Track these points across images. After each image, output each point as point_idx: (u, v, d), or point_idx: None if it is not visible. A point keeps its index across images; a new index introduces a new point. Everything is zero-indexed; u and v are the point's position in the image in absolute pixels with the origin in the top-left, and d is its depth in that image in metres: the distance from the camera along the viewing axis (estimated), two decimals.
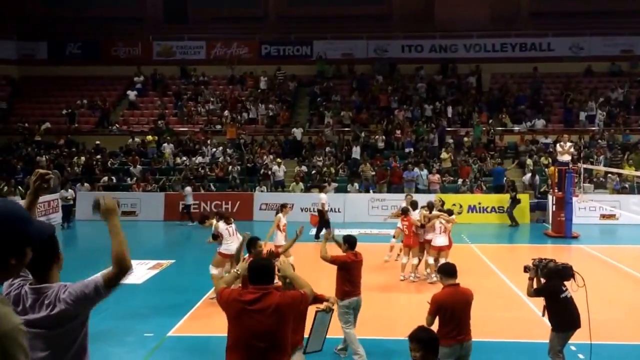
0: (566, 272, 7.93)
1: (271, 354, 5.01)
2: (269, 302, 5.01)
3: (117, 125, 30.77)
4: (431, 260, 13.62)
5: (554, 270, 7.94)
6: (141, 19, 37.31)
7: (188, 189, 24.18)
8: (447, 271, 7.17)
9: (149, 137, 28.88)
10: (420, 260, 14.09)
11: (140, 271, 14.85)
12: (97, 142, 28.93)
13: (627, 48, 33.58)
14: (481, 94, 32.07)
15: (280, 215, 13.89)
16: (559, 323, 7.98)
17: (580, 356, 9.20)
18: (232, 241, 12.29)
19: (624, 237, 21.53)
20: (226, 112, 30.88)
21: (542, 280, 8.07)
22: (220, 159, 27.51)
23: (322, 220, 19.37)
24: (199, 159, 27.57)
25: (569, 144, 21.21)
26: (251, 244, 8.19)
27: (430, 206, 14.03)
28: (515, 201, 23.12)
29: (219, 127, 30.03)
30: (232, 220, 12.92)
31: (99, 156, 28.05)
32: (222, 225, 12.63)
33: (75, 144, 29.42)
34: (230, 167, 26.65)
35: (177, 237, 22.29)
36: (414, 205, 14.37)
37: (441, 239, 13.49)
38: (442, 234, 13.47)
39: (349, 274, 9.01)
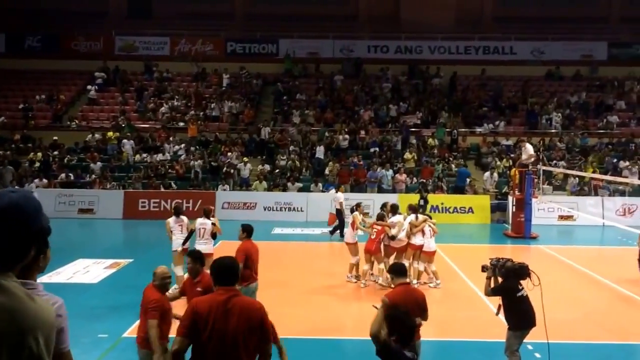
0: (523, 271, 7.99)
1: (241, 356, 4.88)
2: (238, 304, 4.89)
3: (76, 120, 30.16)
4: (429, 267, 13.44)
5: (511, 269, 7.99)
6: (104, 13, 36.68)
7: None
8: (399, 271, 7.14)
9: (109, 134, 28.39)
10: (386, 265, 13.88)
11: (96, 270, 14.55)
12: (55, 137, 28.30)
13: (587, 53, 34.26)
14: (445, 96, 32.34)
15: (356, 213, 14.01)
16: (516, 322, 8.04)
17: (537, 355, 9.27)
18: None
19: (581, 238, 21.94)
20: (190, 110, 30.56)
21: (499, 280, 8.11)
22: (183, 157, 27.18)
23: (341, 220, 19.49)
24: (160, 157, 27.19)
25: (529, 146, 21.46)
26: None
27: (413, 209, 13.62)
28: (426, 202, 23.10)
29: (181, 124, 29.67)
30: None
31: (56, 152, 27.44)
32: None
33: (31, 140, 28.74)
34: (192, 165, 26.34)
35: (136, 235, 21.95)
36: (395, 209, 13.85)
37: (433, 244, 13.29)
38: (431, 238, 13.25)
39: (250, 260, 9.34)
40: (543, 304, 7.62)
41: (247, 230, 9.71)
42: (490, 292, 8.12)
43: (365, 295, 12.88)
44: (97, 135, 28.47)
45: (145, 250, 18.11)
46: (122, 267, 15.26)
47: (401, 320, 5.08)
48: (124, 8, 37.34)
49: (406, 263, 13.29)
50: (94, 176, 25.50)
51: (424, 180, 25.08)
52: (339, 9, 37.00)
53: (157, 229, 22.37)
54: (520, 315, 7.99)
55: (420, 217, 13.41)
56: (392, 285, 7.20)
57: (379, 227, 13.16)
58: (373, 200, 24.31)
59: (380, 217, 13.36)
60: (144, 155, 27.26)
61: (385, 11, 36.45)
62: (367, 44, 34.62)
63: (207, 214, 12.44)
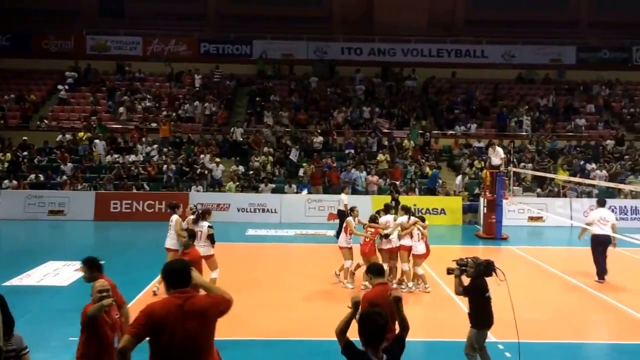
0: (489, 268, 8.12)
1: (197, 359, 4.89)
2: (193, 306, 4.89)
3: (46, 121, 29.76)
4: (420, 270, 13.35)
5: (481, 266, 8.10)
6: (75, 12, 36.31)
7: None
8: (377, 271, 7.23)
9: (80, 134, 28.07)
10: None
11: (67, 273, 14.40)
12: (25, 137, 27.90)
13: (556, 57, 34.83)
14: (418, 98, 32.60)
15: (350, 218, 13.79)
16: (482, 321, 8.17)
17: (507, 354, 9.40)
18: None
19: (550, 239, 22.27)
20: (163, 110, 30.38)
21: (463, 280, 8.18)
22: (155, 158, 26.99)
23: (343, 221, 19.49)
24: (132, 157, 26.97)
25: (500, 149, 21.74)
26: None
27: (406, 210, 13.51)
28: (397, 203, 23.18)
29: (154, 124, 29.46)
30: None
31: (25, 153, 27.06)
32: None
33: (0, 140, 28.29)
34: (164, 166, 26.18)
35: (107, 237, 21.72)
36: (387, 209, 13.82)
37: (421, 247, 13.21)
38: (420, 241, 13.21)
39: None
40: (512, 302, 7.75)
41: (194, 237, 10.33)
42: (463, 292, 8.21)
43: (346, 296, 12.87)
44: (67, 136, 28.13)
45: (117, 252, 17.93)
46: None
47: (370, 319, 5.07)
48: (95, 7, 37.01)
49: (406, 266, 13.29)
50: (64, 177, 25.21)
51: (395, 182, 25.26)
52: (313, 10, 37.11)
53: (129, 230, 22.30)
54: (486, 315, 8.17)
55: (412, 219, 13.31)
56: (370, 285, 7.27)
57: (373, 230, 13.12)
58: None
59: (373, 219, 13.29)
60: (116, 156, 27.01)
61: (359, 13, 36.67)
62: (341, 46, 34.77)
63: (204, 216, 12.45)
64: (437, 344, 10.26)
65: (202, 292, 5.27)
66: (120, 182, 25.09)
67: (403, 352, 5.43)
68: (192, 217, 12.80)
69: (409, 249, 13.16)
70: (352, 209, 14.26)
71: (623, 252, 18.72)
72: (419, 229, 13.16)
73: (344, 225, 13.74)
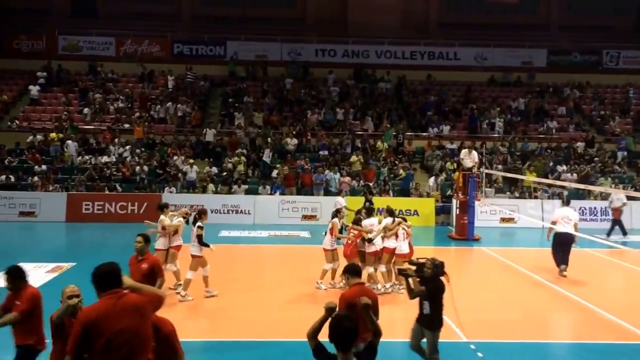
0: (442, 268, 8.20)
1: (137, 353, 4.96)
2: (127, 302, 4.99)
3: (17, 121, 29.37)
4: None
5: (438, 268, 8.16)
6: (47, 12, 35.85)
7: None
8: (354, 271, 7.26)
9: (52, 135, 27.73)
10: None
11: (38, 275, 14.22)
12: None
13: (527, 60, 35.29)
14: (391, 100, 32.80)
15: (335, 220, 13.71)
16: (438, 321, 8.20)
17: (479, 354, 9.52)
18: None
19: (521, 240, 22.55)
20: (136, 111, 30.16)
21: (415, 281, 8.18)
22: (128, 159, 26.79)
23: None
24: (105, 159, 26.73)
25: (475, 153, 22.01)
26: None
27: (390, 212, 13.52)
28: (371, 204, 23.21)
29: (127, 125, 29.23)
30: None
31: None
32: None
33: None
34: (137, 167, 25.99)
35: (79, 239, 21.50)
36: (370, 212, 13.81)
37: (405, 247, 13.26)
38: (404, 241, 13.27)
39: None
40: (454, 302, 7.84)
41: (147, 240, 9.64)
42: (424, 293, 8.14)
43: (322, 297, 12.91)
44: (39, 137, 27.79)
45: (89, 254, 17.74)
46: (65, 271, 14.95)
47: (339, 323, 5.09)
48: (67, 7, 36.62)
49: (383, 268, 13.30)
50: (36, 178, 24.88)
51: (369, 183, 25.37)
52: (287, 12, 37.15)
53: (102, 232, 22.10)
54: (441, 316, 8.24)
55: (396, 220, 13.33)
56: (347, 286, 7.29)
57: (356, 232, 13.09)
58: (320, 203, 24.52)
59: (357, 221, 13.21)
60: (88, 157, 26.74)
61: (332, 15, 36.79)
62: (315, 48, 34.83)
63: (200, 217, 12.57)
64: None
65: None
66: (92, 184, 24.84)
67: (375, 358, 5.47)
68: (164, 217, 12.98)
69: (392, 250, 13.22)
70: (338, 211, 14.24)
71: (594, 253, 19.07)
72: (404, 229, 13.25)
73: (330, 227, 13.67)
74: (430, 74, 34.15)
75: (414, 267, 8.14)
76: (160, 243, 12.93)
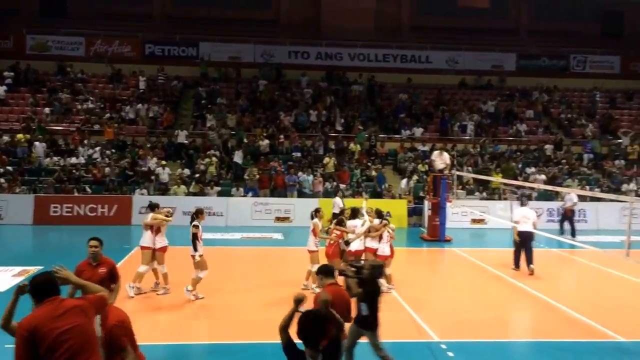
0: (381, 271, 8.22)
1: (83, 352, 5.06)
2: (67, 305, 5.14)
3: None
4: (386, 271, 13.30)
5: (376, 270, 8.20)
6: (15, 11, 35.25)
7: None
8: (328, 271, 7.29)
9: (20, 136, 27.27)
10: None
11: (4, 278, 13.99)
12: None
13: (497, 64, 35.74)
14: (364, 102, 32.95)
15: (316, 220, 13.57)
16: (376, 322, 8.19)
17: (450, 354, 9.60)
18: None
19: (491, 241, 22.83)
20: (106, 112, 29.84)
21: (352, 282, 8.07)
22: (98, 160, 26.49)
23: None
24: (74, 160, 26.38)
25: (447, 155, 22.25)
26: None
27: (379, 213, 13.66)
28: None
29: (97, 126, 28.90)
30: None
31: None
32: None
33: None
34: (107, 169, 25.71)
35: (47, 241, 21.18)
36: (355, 213, 13.73)
37: (387, 249, 13.36)
38: (387, 243, 13.38)
39: None
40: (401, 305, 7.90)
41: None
42: (362, 295, 8.05)
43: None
44: (5, 137, 27.32)
45: (57, 257, 17.42)
46: (31, 275, 14.72)
47: (306, 319, 5.14)
48: (36, 6, 36.04)
49: None
50: (2, 180, 24.44)
51: (339, 185, 25.39)
52: (260, 13, 37.07)
53: (70, 234, 21.80)
54: (377, 316, 8.20)
55: (383, 221, 13.47)
56: (322, 286, 7.29)
57: (339, 232, 13.10)
58: (293, 205, 24.53)
59: (340, 222, 13.24)
60: (56, 158, 26.37)
61: (305, 17, 36.84)
62: (288, 50, 34.82)
63: (197, 216, 12.63)
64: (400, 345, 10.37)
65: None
66: (61, 185, 24.51)
67: (341, 353, 5.50)
68: (149, 215, 13.18)
69: (374, 251, 13.32)
70: (317, 210, 14.16)
71: (562, 253, 19.39)
72: (388, 232, 13.38)
73: (312, 227, 13.57)
74: (402, 77, 34.35)
75: (353, 269, 8.13)
76: (146, 241, 12.94)
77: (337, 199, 21.23)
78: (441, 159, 21.76)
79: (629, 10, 38.32)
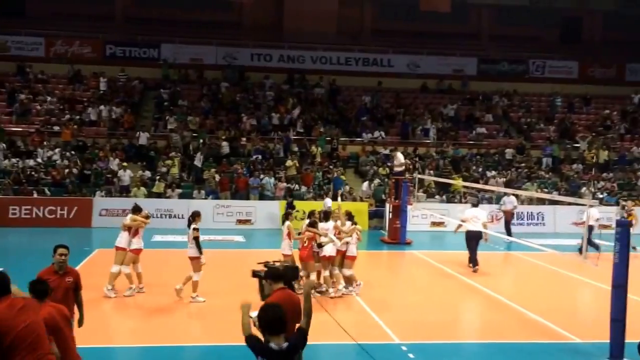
0: (296, 273, 8.29)
1: (40, 346, 5.47)
2: (19, 303, 5.58)
3: None
4: (349, 272, 13.49)
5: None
6: None
7: None
8: (276, 276, 7.26)
9: None
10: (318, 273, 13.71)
11: None
12: None
13: (459, 68, 36.21)
14: (326, 105, 33.08)
15: (289, 222, 13.58)
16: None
17: (411, 356, 9.74)
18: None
19: (451, 243, 23.03)
20: (66, 113, 29.41)
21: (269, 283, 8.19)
22: (58, 162, 26.10)
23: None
24: (32, 162, 25.94)
25: (399, 155, 22.64)
26: None
27: (349, 216, 13.76)
28: (292, 207, 23.46)
29: (56, 128, 28.46)
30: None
31: None
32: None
33: None
34: (66, 171, 25.36)
35: (5, 244, 20.76)
36: (327, 216, 13.69)
37: (354, 249, 13.52)
38: (354, 244, 13.51)
39: None
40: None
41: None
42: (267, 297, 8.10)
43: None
44: None
45: (16, 260, 17.20)
46: None
47: (268, 311, 5.43)
48: None
49: (336, 270, 13.34)
50: None
51: (289, 187, 25.38)
52: (223, 15, 36.88)
53: (29, 237, 21.45)
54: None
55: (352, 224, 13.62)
56: (269, 293, 7.28)
57: (311, 234, 13.10)
58: (255, 208, 24.53)
59: (312, 224, 13.21)
60: (15, 160, 25.89)
61: (268, 20, 36.80)
62: (251, 52, 34.74)
63: (193, 219, 12.70)
64: (343, 347, 10.48)
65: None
66: (19, 187, 24.09)
67: (305, 343, 5.64)
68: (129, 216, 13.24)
69: (343, 253, 13.41)
70: (289, 213, 14.18)
71: (521, 256, 19.77)
72: (357, 234, 13.53)
73: (286, 230, 13.52)
74: (364, 80, 34.49)
75: (267, 269, 8.04)
76: (121, 241, 12.98)
77: (327, 200, 21.61)
78: (396, 160, 22.13)
79: (587, 16, 39.12)
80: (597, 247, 15.18)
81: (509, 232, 21.98)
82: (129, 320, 11.83)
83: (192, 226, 12.50)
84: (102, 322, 10.92)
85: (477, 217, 16.99)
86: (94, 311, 11.50)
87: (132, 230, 13.00)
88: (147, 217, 13.50)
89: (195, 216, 12.74)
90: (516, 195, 23.01)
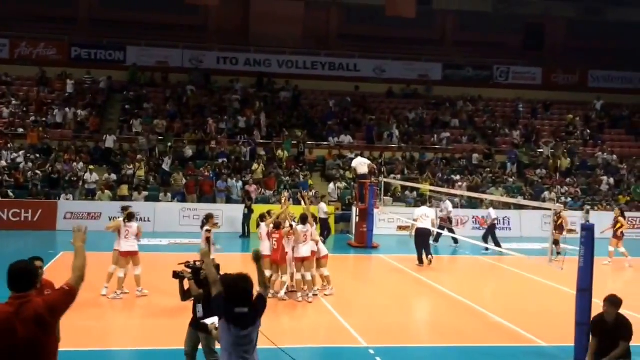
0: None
1: None
2: (27, 312, 4.66)
3: None
4: (327, 272, 13.78)
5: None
6: None
7: None
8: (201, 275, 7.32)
9: None
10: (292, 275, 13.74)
11: None
12: None
13: (424, 73, 36.58)
14: (293, 109, 33.14)
15: (263, 224, 13.60)
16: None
17: (378, 359, 9.84)
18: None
19: None
20: (31, 116, 28.96)
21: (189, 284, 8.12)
22: (22, 165, 25.70)
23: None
24: None
25: (362, 158, 23.23)
26: None
27: (303, 219, 13.67)
28: (250, 211, 23.50)
29: (21, 130, 28.02)
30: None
31: None
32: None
33: None
34: (29, 173, 24.99)
35: None
36: (303, 219, 13.56)
37: (324, 249, 13.91)
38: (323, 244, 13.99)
39: None
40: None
41: None
42: (201, 296, 7.83)
43: None
44: None
45: None
46: None
47: (236, 281, 5.67)
48: None
49: (309, 277, 13.28)
50: None
51: (248, 190, 25.38)
52: (189, 19, 36.68)
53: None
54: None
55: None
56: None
57: (277, 236, 13.10)
58: (222, 211, 24.47)
59: (277, 226, 13.24)
60: None
61: (235, 23, 36.74)
62: (217, 56, 34.65)
63: (207, 220, 13.00)
64: (312, 350, 10.57)
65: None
66: None
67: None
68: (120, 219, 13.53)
69: (315, 254, 13.49)
70: (263, 216, 14.12)
71: (487, 260, 20.04)
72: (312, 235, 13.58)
73: (265, 231, 13.50)
74: (330, 85, 34.58)
75: (189, 270, 8.13)
76: (125, 246, 13.34)
77: (322, 205, 22.19)
78: (360, 164, 22.46)
79: (549, 23, 39.76)
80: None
81: (437, 236, 21.61)
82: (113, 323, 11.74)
83: (205, 228, 12.83)
84: (77, 325, 10.81)
85: (426, 214, 17.95)
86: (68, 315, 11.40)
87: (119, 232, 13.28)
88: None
89: (208, 218, 13.08)
90: (480, 200, 23.31)
